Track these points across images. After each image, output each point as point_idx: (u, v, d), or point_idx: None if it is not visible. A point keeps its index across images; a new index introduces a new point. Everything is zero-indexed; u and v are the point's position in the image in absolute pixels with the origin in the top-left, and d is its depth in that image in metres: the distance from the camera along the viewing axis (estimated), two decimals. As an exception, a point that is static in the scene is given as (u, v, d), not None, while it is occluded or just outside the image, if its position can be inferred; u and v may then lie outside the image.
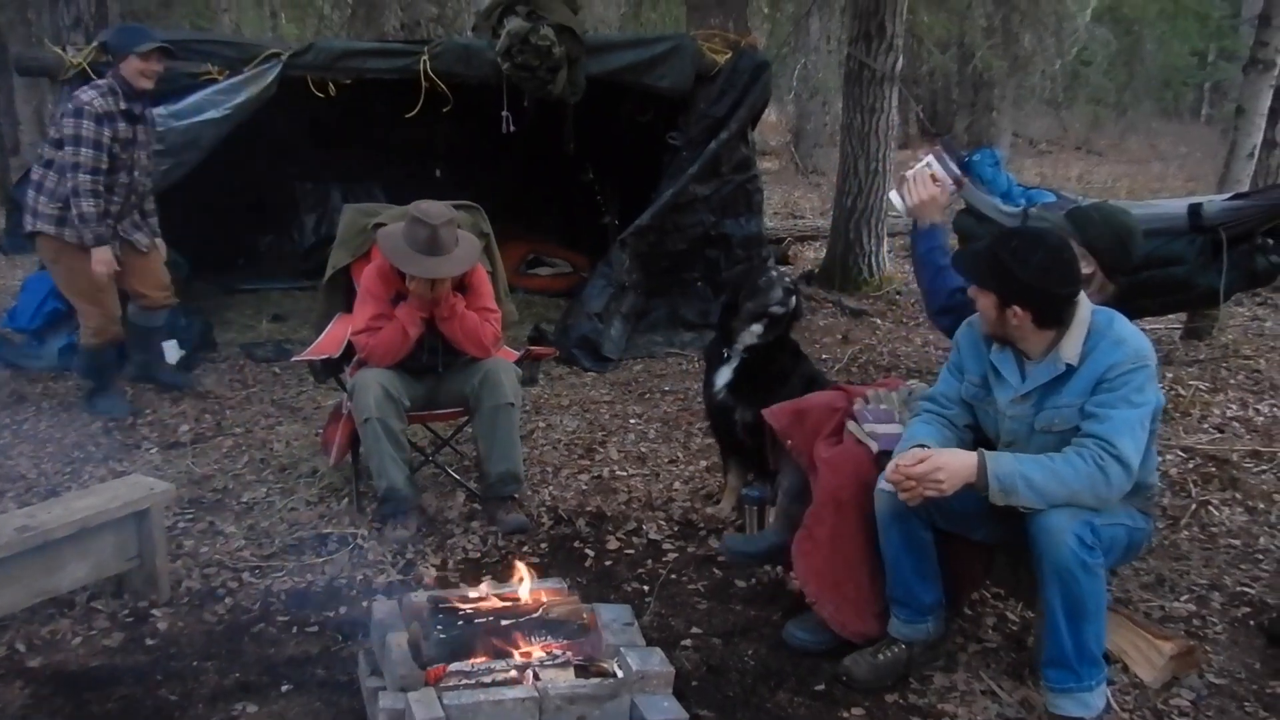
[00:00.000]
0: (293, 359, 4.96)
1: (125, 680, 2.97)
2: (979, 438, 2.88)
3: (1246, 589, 3.43)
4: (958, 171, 3.45)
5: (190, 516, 4.08)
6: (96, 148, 4.78)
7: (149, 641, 3.19)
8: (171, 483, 3.67)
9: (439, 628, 2.75)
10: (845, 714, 2.81)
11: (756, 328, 3.88)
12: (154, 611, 3.34)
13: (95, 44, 5.79)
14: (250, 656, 3.11)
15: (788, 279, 3.99)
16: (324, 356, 4.12)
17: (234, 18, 13.94)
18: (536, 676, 2.61)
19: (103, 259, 4.92)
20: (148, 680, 2.97)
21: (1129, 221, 3.13)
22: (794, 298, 3.89)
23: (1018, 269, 2.59)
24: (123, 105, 4.88)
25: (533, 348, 4.60)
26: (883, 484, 2.79)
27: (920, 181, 3.39)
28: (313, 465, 4.55)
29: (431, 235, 3.74)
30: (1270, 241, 5.01)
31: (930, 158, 3.46)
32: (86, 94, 4.82)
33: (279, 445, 4.86)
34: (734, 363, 3.92)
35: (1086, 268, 2.91)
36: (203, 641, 3.20)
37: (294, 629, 3.28)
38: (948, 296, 3.29)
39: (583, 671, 2.66)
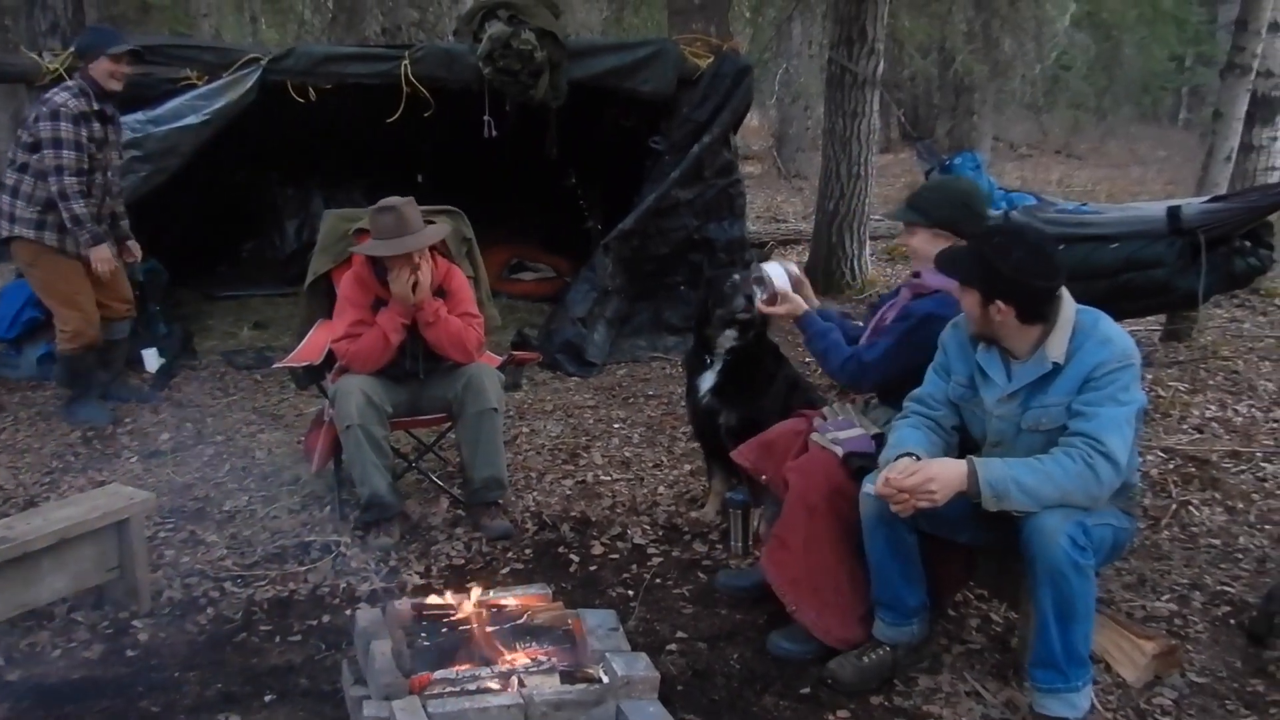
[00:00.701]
0: (274, 366, 4.94)
1: (106, 692, 2.94)
2: (965, 439, 2.89)
3: (1227, 588, 3.46)
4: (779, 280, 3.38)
5: (171, 526, 4.05)
6: (77, 148, 4.77)
7: (130, 653, 3.17)
8: (152, 492, 3.64)
9: (423, 635, 2.74)
10: (831, 717, 2.82)
11: (731, 333, 3.88)
12: (135, 622, 3.32)
13: (71, 50, 5.76)
14: (233, 667, 3.09)
15: (756, 272, 3.94)
16: (305, 363, 4.10)
17: (214, 23, 13.83)
18: (521, 683, 2.60)
19: (102, 256, 4.94)
20: (129, 692, 2.95)
21: (961, 184, 3.17)
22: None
23: (999, 265, 2.61)
24: (95, 105, 4.86)
25: (516, 353, 4.59)
26: (868, 489, 2.79)
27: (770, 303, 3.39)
28: (295, 473, 4.53)
29: (397, 217, 3.77)
30: (1248, 244, 5.06)
31: (763, 271, 3.42)
32: (59, 95, 4.79)
33: (261, 453, 4.83)
34: (717, 366, 3.92)
35: (945, 243, 2.97)
36: (185, 652, 3.17)
37: (277, 638, 3.26)
38: (841, 366, 3.22)
39: (568, 678, 2.65)
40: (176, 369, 6.05)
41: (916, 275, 3.23)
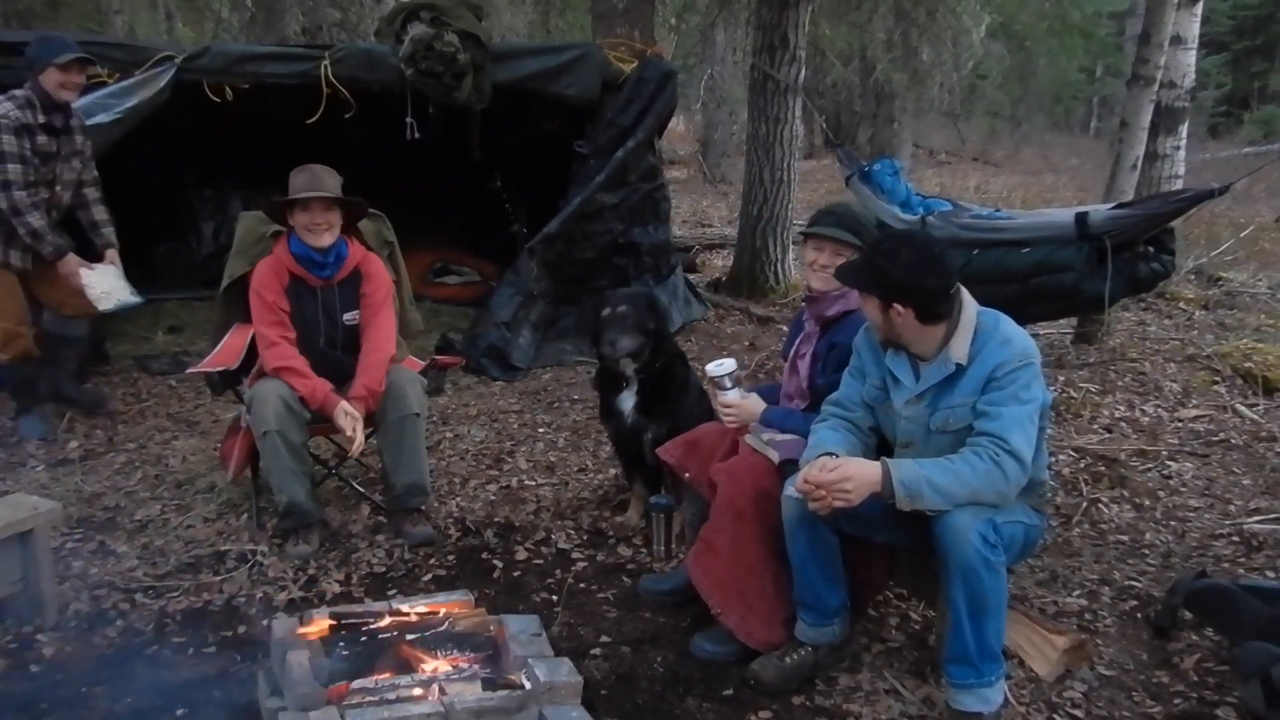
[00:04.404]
0: (189, 371, 4.82)
1: (8, 710, 2.84)
2: (883, 440, 2.94)
3: (1134, 583, 3.57)
4: (728, 385, 3.30)
5: (79, 536, 3.93)
6: (22, 162, 4.57)
7: (34, 668, 3.06)
8: (59, 501, 3.53)
9: (341, 644, 2.69)
10: (753, 717, 2.84)
11: (628, 360, 3.88)
12: (39, 636, 3.21)
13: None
14: (143, 680, 3.00)
15: (620, 309, 3.84)
16: (221, 368, 4.00)
17: (126, 20, 13.44)
18: (443, 691, 2.57)
19: (70, 270, 4.77)
20: (33, 709, 2.85)
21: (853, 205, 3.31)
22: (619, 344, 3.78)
23: (891, 268, 2.69)
24: (41, 118, 4.65)
25: (439, 357, 4.54)
26: (790, 490, 2.83)
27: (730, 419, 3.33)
28: (210, 481, 4.43)
29: (311, 175, 3.82)
30: (1151, 249, 5.24)
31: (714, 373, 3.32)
32: (1, 106, 4.58)
33: (175, 460, 4.71)
34: (634, 386, 3.92)
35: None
36: (92, 666, 3.08)
37: (190, 650, 3.18)
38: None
39: (490, 685, 2.63)
40: (87, 374, 5.85)
41: (810, 297, 3.28)
